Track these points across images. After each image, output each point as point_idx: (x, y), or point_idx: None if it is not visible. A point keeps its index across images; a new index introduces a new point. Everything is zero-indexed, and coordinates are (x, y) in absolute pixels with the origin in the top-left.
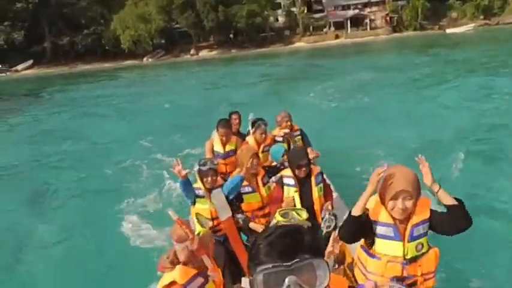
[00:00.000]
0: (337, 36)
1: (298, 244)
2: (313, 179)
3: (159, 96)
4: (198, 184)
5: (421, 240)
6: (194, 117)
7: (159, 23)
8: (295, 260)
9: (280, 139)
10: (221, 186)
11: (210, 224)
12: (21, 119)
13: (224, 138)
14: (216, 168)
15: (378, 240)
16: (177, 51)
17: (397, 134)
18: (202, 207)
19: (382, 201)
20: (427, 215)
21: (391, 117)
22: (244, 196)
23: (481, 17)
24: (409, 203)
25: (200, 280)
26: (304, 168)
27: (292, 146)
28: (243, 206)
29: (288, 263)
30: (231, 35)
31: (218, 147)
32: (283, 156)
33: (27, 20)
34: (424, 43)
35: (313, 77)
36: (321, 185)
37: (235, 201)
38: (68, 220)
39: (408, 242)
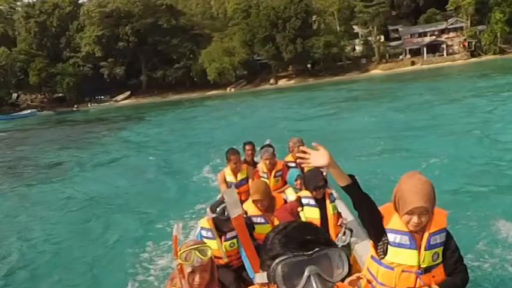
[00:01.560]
0: (413, 63)
1: (315, 236)
2: (327, 198)
3: (237, 117)
4: (207, 225)
5: (437, 249)
6: (265, 132)
7: (242, 56)
8: (316, 249)
9: (293, 164)
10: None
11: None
12: (123, 134)
13: (235, 166)
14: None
15: (391, 249)
16: (257, 81)
17: (433, 150)
18: (211, 246)
19: (397, 211)
20: (444, 224)
21: (439, 133)
22: (255, 226)
23: None
24: (425, 218)
25: None
26: (321, 190)
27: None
28: (255, 234)
29: (309, 252)
30: (309, 65)
31: (230, 178)
32: (296, 180)
33: (127, 57)
34: (501, 66)
35: (378, 100)
36: (335, 203)
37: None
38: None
39: (425, 250)
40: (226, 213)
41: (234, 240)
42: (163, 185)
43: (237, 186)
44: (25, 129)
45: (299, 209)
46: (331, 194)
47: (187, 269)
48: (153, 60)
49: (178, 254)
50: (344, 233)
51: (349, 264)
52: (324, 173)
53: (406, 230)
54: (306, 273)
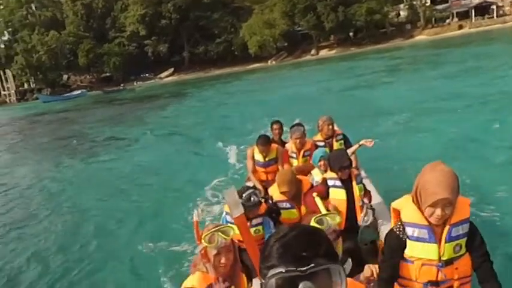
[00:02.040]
0: (460, 27)
1: (314, 248)
2: (354, 180)
3: (279, 88)
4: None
5: (459, 241)
6: (299, 107)
7: (283, 27)
8: (311, 265)
9: (322, 144)
10: (263, 215)
11: None
12: (167, 110)
13: (264, 154)
14: (261, 201)
15: (410, 243)
16: (299, 52)
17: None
18: (234, 231)
19: (417, 204)
20: (467, 214)
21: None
22: (282, 211)
23: None
24: (448, 210)
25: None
26: (347, 170)
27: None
28: (281, 219)
29: (302, 268)
30: (351, 33)
31: (258, 156)
32: (319, 161)
33: (170, 34)
34: None
35: (418, 67)
36: (361, 185)
37: (274, 215)
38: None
39: (446, 242)
40: (253, 199)
41: (260, 227)
42: (194, 161)
43: (265, 165)
44: (77, 109)
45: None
46: (358, 175)
47: (213, 252)
48: (195, 36)
49: (202, 237)
50: (366, 213)
51: (376, 248)
52: (350, 154)
53: (425, 223)
54: None
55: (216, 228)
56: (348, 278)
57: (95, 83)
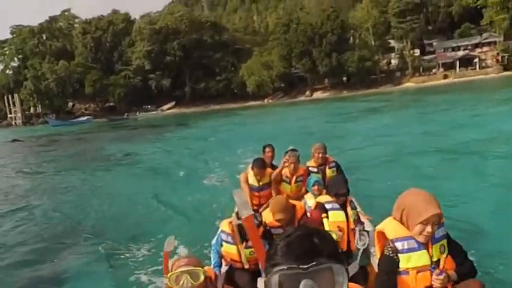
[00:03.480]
0: (445, 76)
1: (317, 247)
2: (348, 205)
3: (272, 123)
4: (227, 229)
5: (442, 242)
6: (289, 137)
7: (280, 69)
8: (313, 263)
9: (315, 170)
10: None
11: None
12: (167, 141)
13: (259, 177)
14: (261, 223)
15: (403, 256)
16: (294, 93)
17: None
18: (230, 250)
19: (403, 222)
20: (442, 219)
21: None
22: (274, 236)
23: None
24: (436, 227)
25: None
26: (342, 197)
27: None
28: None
29: (304, 266)
30: (344, 78)
31: (252, 180)
32: (313, 185)
33: (173, 70)
34: None
35: (400, 109)
36: (355, 211)
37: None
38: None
39: (432, 244)
40: (254, 221)
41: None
42: (180, 187)
43: (259, 190)
44: (88, 132)
45: (323, 215)
46: (352, 201)
47: None
48: (197, 73)
49: (168, 275)
50: (361, 235)
51: (366, 274)
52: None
53: (409, 234)
54: (301, 287)
55: (186, 269)
56: (350, 284)
57: (98, 111)
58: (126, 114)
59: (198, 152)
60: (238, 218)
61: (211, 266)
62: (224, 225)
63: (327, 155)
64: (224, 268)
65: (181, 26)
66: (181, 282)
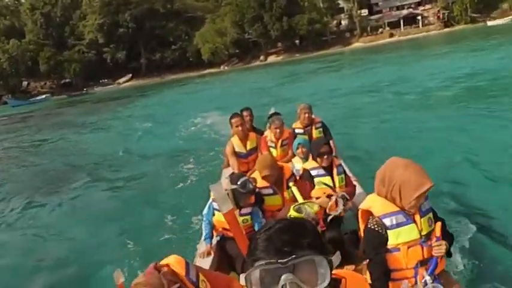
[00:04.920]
0: (391, 35)
1: (298, 240)
2: (334, 169)
3: (229, 88)
4: None
5: (429, 215)
6: (251, 99)
7: (233, 36)
8: (292, 257)
9: (301, 131)
10: (253, 205)
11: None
12: (122, 113)
13: (239, 129)
14: (255, 188)
15: (392, 232)
16: (249, 58)
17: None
18: (222, 219)
19: (391, 197)
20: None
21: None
22: (264, 197)
23: None
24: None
25: None
26: (326, 156)
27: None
28: (264, 206)
29: (283, 260)
30: (297, 41)
31: (239, 148)
32: (297, 148)
33: (127, 42)
34: (463, 35)
35: (346, 68)
36: (343, 175)
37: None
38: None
39: (421, 217)
40: (247, 185)
41: (248, 217)
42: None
43: (247, 156)
44: (50, 110)
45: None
46: (340, 165)
47: None
48: (151, 43)
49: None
50: (337, 202)
51: (358, 238)
52: (332, 144)
53: (397, 209)
54: (281, 282)
55: None
56: (349, 270)
57: (55, 88)
58: (84, 89)
59: (157, 119)
60: (232, 183)
61: (202, 238)
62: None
63: (313, 115)
64: (215, 239)
65: None
66: None
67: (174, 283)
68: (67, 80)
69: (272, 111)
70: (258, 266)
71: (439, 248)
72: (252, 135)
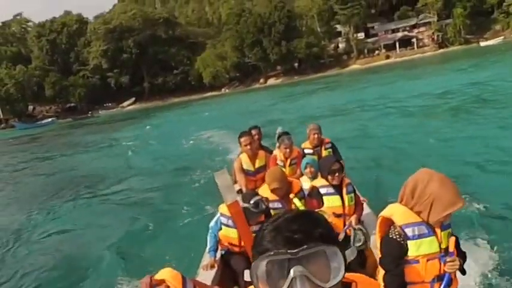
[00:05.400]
0: (387, 57)
1: (308, 230)
2: (344, 188)
3: (230, 108)
4: (226, 211)
5: (449, 229)
6: (251, 118)
7: (234, 60)
8: (303, 247)
9: (310, 151)
10: (263, 222)
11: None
12: (128, 133)
13: (248, 148)
14: (267, 208)
15: (412, 243)
16: (249, 81)
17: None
18: (229, 234)
19: (421, 212)
20: None
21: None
22: (272, 211)
23: None
24: None
25: None
26: (337, 174)
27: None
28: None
29: (293, 250)
30: (296, 64)
31: (247, 165)
32: (305, 168)
33: (131, 67)
34: (458, 55)
35: (343, 88)
36: (352, 194)
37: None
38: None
39: (441, 231)
40: (260, 205)
41: None
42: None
43: (255, 174)
44: (58, 132)
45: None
46: (349, 184)
47: None
48: (154, 68)
49: None
50: (356, 235)
51: (364, 258)
52: (342, 162)
53: (419, 220)
54: (291, 274)
55: None
56: (360, 274)
57: (60, 112)
58: (89, 112)
59: (161, 137)
60: (245, 201)
61: (207, 250)
62: (223, 209)
63: (322, 136)
64: (219, 253)
65: (135, 24)
66: None
67: None
68: (72, 104)
69: (279, 130)
70: (265, 256)
71: (453, 264)
72: (262, 153)
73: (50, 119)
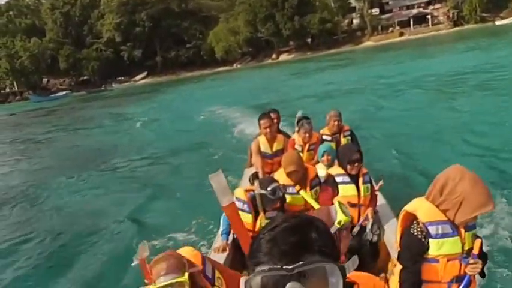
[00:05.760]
0: (401, 34)
1: (307, 242)
2: (360, 177)
3: (242, 84)
4: (243, 196)
5: (474, 230)
6: (263, 94)
7: (246, 34)
8: (299, 263)
9: (329, 138)
10: (278, 209)
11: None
12: (141, 108)
13: (267, 130)
14: (284, 196)
15: (434, 242)
16: (261, 57)
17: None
18: (244, 219)
19: (448, 210)
20: None
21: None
22: (287, 196)
23: None
24: None
25: None
26: (356, 164)
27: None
28: (285, 205)
29: (289, 267)
30: (309, 40)
31: (265, 148)
32: (322, 156)
33: (144, 40)
34: (470, 34)
35: (355, 65)
36: (368, 185)
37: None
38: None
39: (466, 231)
40: (277, 192)
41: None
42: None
43: (272, 157)
44: (72, 106)
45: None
46: (366, 174)
47: None
48: (167, 42)
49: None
50: (373, 229)
51: (376, 251)
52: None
53: (445, 218)
54: None
55: (167, 283)
56: (364, 273)
57: (73, 85)
58: (103, 86)
59: (175, 111)
60: (262, 187)
61: (219, 233)
62: (239, 193)
63: (343, 123)
64: (231, 236)
65: None
66: None
67: (194, 266)
68: (85, 78)
69: (299, 114)
70: (260, 271)
71: (475, 267)
72: (280, 137)
73: (63, 92)
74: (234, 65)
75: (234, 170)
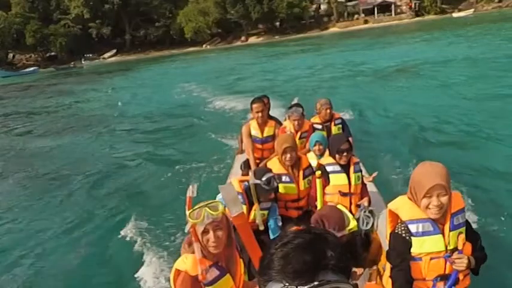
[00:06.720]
0: (366, 22)
1: (322, 260)
2: (351, 166)
3: (209, 65)
4: (238, 187)
5: (461, 229)
6: (229, 75)
7: (216, 16)
8: (314, 284)
9: (320, 127)
10: (272, 200)
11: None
12: (107, 86)
13: (260, 115)
14: (278, 186)
15: (416, 240)
16: (230, 39)
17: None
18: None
19: (415, 200)
20: (462, 204)
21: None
22: (280, 185)
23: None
24: (444, 199)
25: (214, 273)
26: (345, 153)
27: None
28: (278, 194)
29: (304, 287)
30: (277, 23)
31: (255, 132)
32: (314, 145)
33: (112, 18)
34: (429, 24)
35: (316, 50)
36: (359, 173)
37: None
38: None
39: (450, 231)
40: (272, 183)
41: (265, 212)
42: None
43: (262, 142)
44: (44, 81)
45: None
46: (357, 163)
47: (200, 229)
48: (136, 20)
49: (189, 212)
50: (364, 219)
51: (369, 240)
52: (351, 140)
53: (425, 216)
54: None
55: (204, 204)
56: (370, 284)
57: (40, 61)
58: (72, 63)
59: (149, 87)
60: (257, 177)
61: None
62: (234, 184)
63: (333, 111)
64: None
65: None
66: (202, 215)
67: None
68: (52, 54)
69: (295, 101)
70: None
71: (459, 262)
72: (272, 122)
73: (32, 68)
74: (204, 45)
75: (207, 138)
